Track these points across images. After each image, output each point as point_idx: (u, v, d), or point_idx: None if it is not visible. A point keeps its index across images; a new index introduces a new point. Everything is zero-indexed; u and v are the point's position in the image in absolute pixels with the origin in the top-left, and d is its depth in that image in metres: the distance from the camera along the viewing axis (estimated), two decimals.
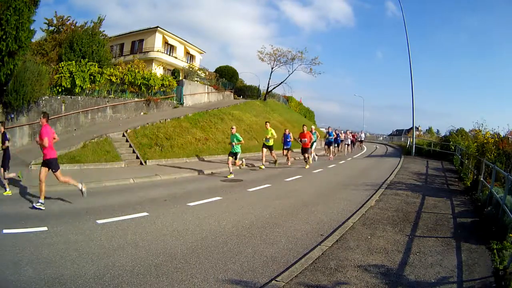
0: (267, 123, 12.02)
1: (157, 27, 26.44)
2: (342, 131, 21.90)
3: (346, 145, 19.80)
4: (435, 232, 4.95)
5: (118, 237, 4.23)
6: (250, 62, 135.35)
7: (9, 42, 9.27)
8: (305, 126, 12.72)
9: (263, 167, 11.39)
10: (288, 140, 12.30)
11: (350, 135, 22.23)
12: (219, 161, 12.30)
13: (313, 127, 15.48)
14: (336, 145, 17.67)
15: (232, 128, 10.17)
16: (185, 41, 29.74)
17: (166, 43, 27.50)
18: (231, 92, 26.54)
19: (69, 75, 13.36)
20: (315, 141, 13.40)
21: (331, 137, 16.32)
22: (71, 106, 12.84)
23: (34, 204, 5.32)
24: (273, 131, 11.59)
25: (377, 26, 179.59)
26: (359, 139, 26.94)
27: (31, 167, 8.60)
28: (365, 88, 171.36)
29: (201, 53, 32.67)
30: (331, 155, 16.12)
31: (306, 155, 12.11)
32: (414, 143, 19.85)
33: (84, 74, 13.78)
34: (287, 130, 12.72)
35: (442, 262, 3.81)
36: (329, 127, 17.71)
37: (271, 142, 11.57)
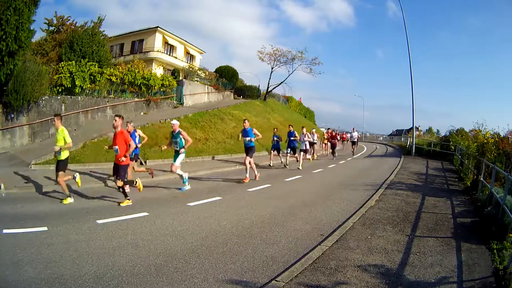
0: (56, 118, 6.12)
1: (157, 27, 26.45)
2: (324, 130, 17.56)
3: (301, 151, 12.41)
4: (435, 232, 4.95)
5: (118, 237, 4.23)
6: (250, 62, 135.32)
7: (9, 42, 9.27)
8: (117, 119, 5.88)
9: (69, 200, 5.89)
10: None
11: (312, 134, 14.89)
12: (220, 161, 12.30)
13: (304, 129, 12.68)
14: (290, 151, 12.18)
15: None
16: (185, 41, 29.74)
17: (166, 43, 27.50)
18: (231, 92, 26.54)
19: (69, 75, 13.38)
20: (181, 151, 7.33)
21: (248, 140, 8.84)
22: (71, 106, 12.84)
23: None
24: (65, 132, 6.02)
25: (378, 26, 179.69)
26: (352, 140, 20.05)
27: (31, 167, 8.60)
28: (366, 88, 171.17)
29: (201, 53, 32.68)
30: (256, 173, 8.99)
31: (115, 176, 5.95)
32: (414, 143, 19.85)
33: (84, 74, 13.80)
34: (129, 125, 7.53)
35: (442, 262, 3.81)
36: (275, 129, 12.26)
37: (63, 155, 5.99)
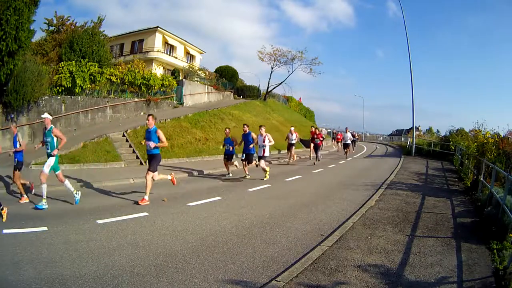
0: None
1: (157, 27, 26.44)
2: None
3: (259, 158, 9.44)
4: (435, 232, 4.95)
5: (118, 237, 4.23)
6: (250, 62, 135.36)
7: (9, 42, 9.27)
8: None
9: None
10: None
11: (291, 133, 13.23)
12: (219, 161, 12.29)
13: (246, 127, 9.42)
14: (244, 157, 9.39)
15: None
16: (185, 41, 29.74)
17: (166, 43, 27.49)
18: (231, 92, 26.55)
19: (69, 75, 13.38)
20: (53, 153, 5.71)
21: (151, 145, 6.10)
22: (71, 106, 12.85)
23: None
24: None
25: (378, 26, 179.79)
26: (345, 142, 17.14)
27: (31, 167, 8.59)
28: (366, 88, 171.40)
29: (201, 53, 32.67)
30: (145, 198, 5.99)
31: None
32: (414, 143, 19.86)
33: (84, 74, 13.80)
34: (12, 125, 6.75)
35: (442, 262, 3.80)
36: (227, 130, 9.81)
37: None
